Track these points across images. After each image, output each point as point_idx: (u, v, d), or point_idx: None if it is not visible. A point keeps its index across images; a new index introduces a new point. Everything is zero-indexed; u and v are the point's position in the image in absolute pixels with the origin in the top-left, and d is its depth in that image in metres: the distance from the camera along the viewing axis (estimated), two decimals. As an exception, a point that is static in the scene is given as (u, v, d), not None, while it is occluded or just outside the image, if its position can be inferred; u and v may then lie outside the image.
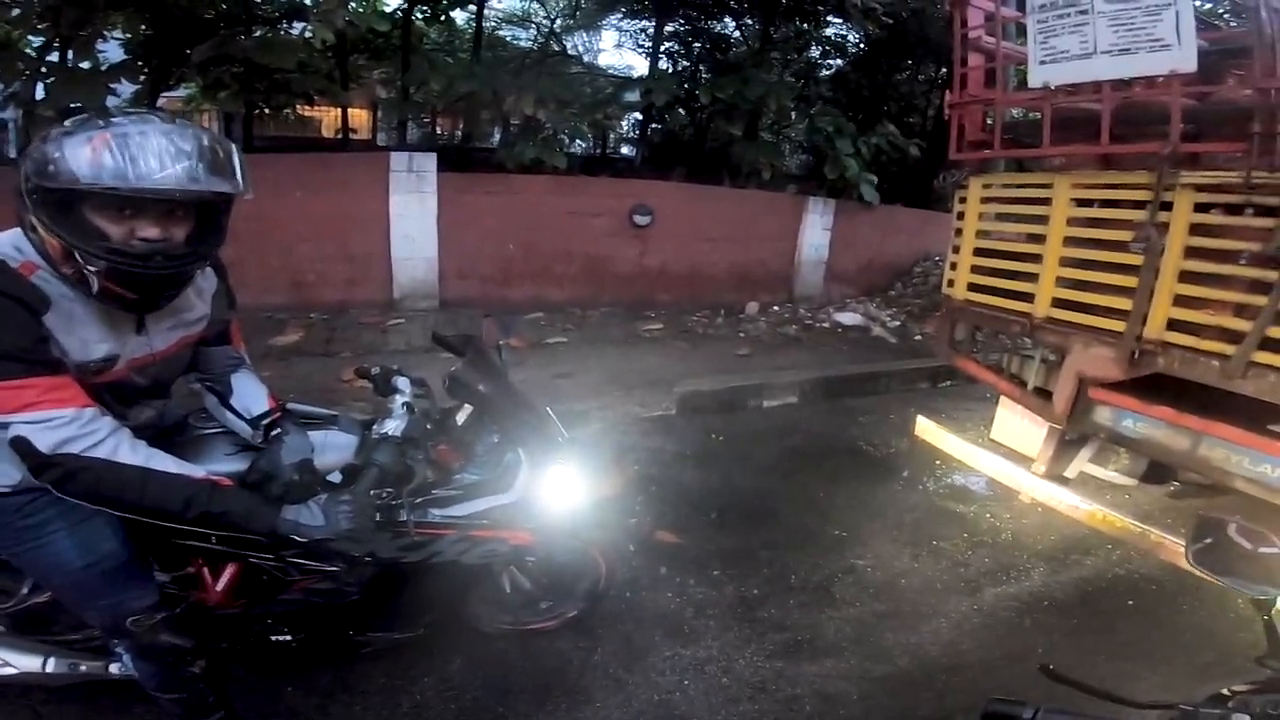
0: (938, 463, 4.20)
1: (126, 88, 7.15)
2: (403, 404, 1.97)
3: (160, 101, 8.12)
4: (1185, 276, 2.52)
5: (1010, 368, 3.39)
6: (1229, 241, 2.45)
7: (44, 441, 1.31)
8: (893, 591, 3.10)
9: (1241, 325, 2.37)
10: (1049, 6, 2.94)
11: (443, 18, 9.92)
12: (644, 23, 10.93)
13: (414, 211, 6.70)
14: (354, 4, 7.92)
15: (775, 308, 8.01)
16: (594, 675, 2.48)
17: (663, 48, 10.19)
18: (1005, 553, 3.47)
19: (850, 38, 10.59)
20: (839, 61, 11.05)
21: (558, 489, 2.13)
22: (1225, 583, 1.21)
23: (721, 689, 2.46)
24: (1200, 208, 2.50)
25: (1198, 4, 2.61)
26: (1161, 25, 2.57)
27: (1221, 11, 3.28)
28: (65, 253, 1.30)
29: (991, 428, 3.60)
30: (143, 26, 7.09)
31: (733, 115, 8.96)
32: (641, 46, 11.47)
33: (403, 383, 2.06)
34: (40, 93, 6.19)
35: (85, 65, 6.52)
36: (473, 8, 9.55)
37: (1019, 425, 3.40)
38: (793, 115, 9.25)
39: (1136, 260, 2.64)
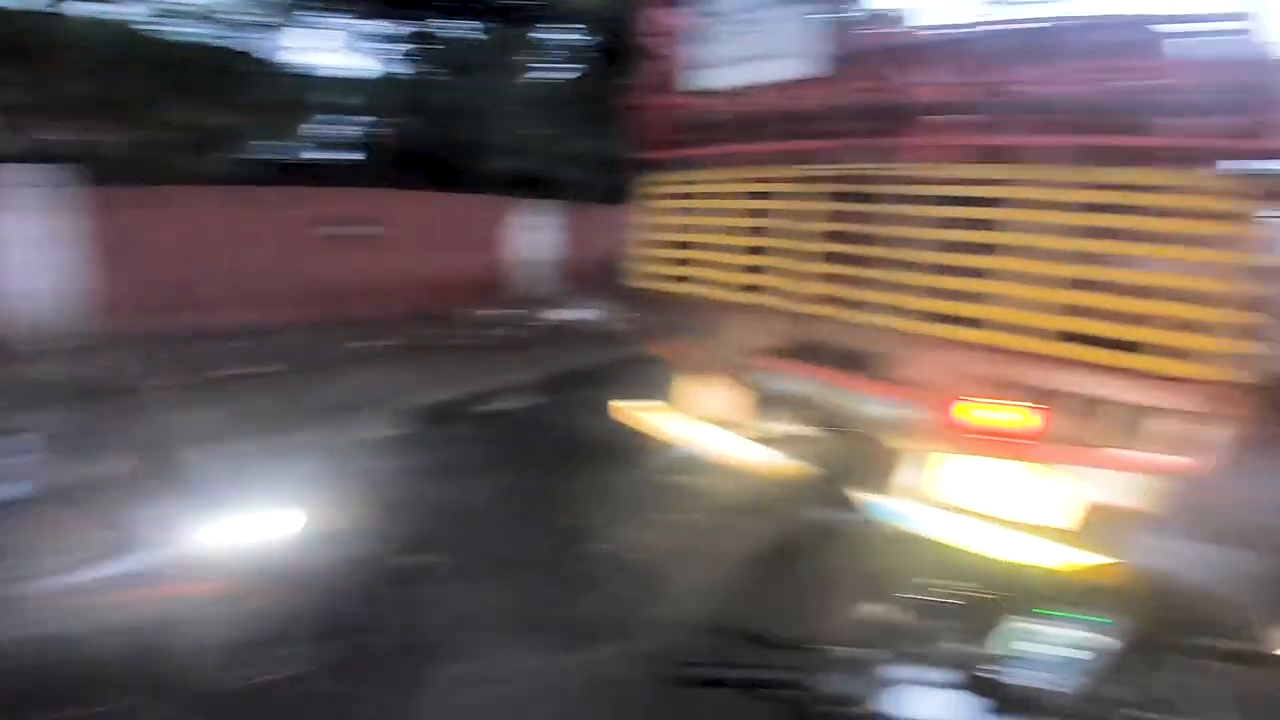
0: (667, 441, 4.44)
1: None
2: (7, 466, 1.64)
3: None
4: (815, 256, 2.99)
5: (698, 347, 3.66)
6: (843, 225, 2.91)
7: None
8: (646, 568, 3.20)
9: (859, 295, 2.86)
10: (718, 15, 3.26)
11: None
12: (378, 23, 10.17)
13: (39, 234, 5.50)
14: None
15: (504, 311, 7.99)
16: (375, 712, 2.29)
17: (395, 51, 9.61)
18: (724, 513, 3.69)
19: (580, 42, 10.82)
20: (571, 65, 11.29)
21: (253, 531, 1.96)
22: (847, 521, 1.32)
23: (516, 695, 2.40)
24: (826, 196, 2.95)
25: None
26: (799, 33, 2.95)
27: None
28: None
29: (670, 399, 3.87)
30: None
31: (462, 121, 8.78)
32: (359, 48, 10.68)
33: (12, 443, 1.71)
34: None
35: None
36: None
37: (702, 397, 3.70)
38: (521, 119, 9.29)
39: (783, 244, 3.09)
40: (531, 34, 9.93)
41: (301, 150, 11.59)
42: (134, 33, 8.18)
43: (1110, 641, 1.01)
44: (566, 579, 3.13)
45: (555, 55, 11.09)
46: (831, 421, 3.38)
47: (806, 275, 3.04)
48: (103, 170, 5.91)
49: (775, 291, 3.15)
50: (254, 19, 9.95)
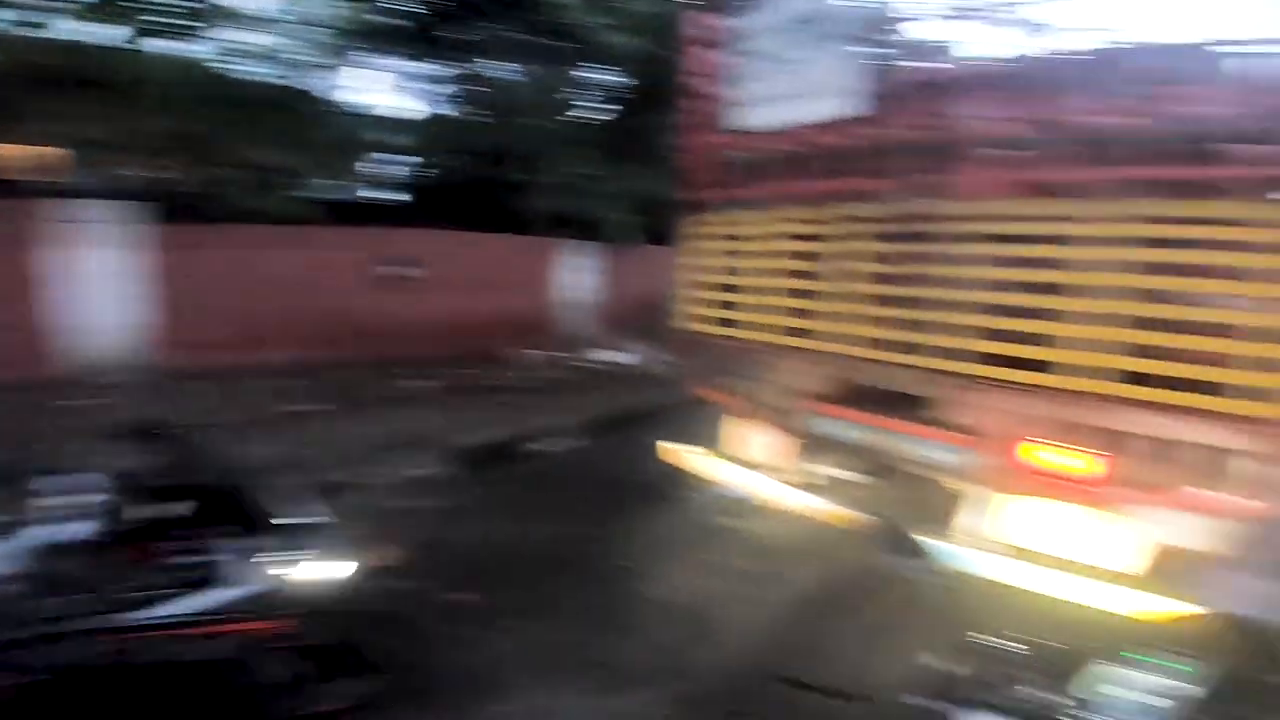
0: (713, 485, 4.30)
1: None
2: (75, 505, 1.70)
3: None
4: (863, 299, 2.97)
5: (744, 390, 3.62)
6: (893, 266, 2.89)
7: None
8: (690, 613, 3.18)
9: (908, 338, 2.81)
10: (757, 54, 3.27)
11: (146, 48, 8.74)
12: (422, 65, 10.56)
13: (108, 270, 5.77)
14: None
15: (546, 352, 8.07)
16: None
17: (440, 91, 9.93)
18: (776, 557, 3.70)
19: (622, 82, 11.04)
20: (612, 106, 11.51)
21: (314, 568, 1.99)
22: (912, 568, 1.31)
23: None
24: (873, 237, 2.93)
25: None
26: (838, 70, 2.95)
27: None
28: None
29: (719, 442, 3.82)
30: None
31: (506, 161, 8.96)
32: (405, 89, 11.07)
33: (78, 481, 1.78)
34: None
35: None
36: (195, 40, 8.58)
37: (748, 440, 3.67)
38: (561, 160, 9.47)
39: (829, 286, 3.07)
40: (573, 74, 10.14)
41: (353, 190, 12.02)
42: (204, 71, 8.61)
43: (1193, 687, 0.97)
44: (611, 621, 3.09)
45: (597, 95, 11.33)
46: (884, 466, 3.32)
47: (856, 317, 3.01)
48: (169, 207, 6.19)
49: (824, 334, 3.12)
50: (311, 59, 10.44)
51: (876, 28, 3.53)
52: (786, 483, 3.44)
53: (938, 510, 3.18)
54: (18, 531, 1.69)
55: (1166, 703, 0.99)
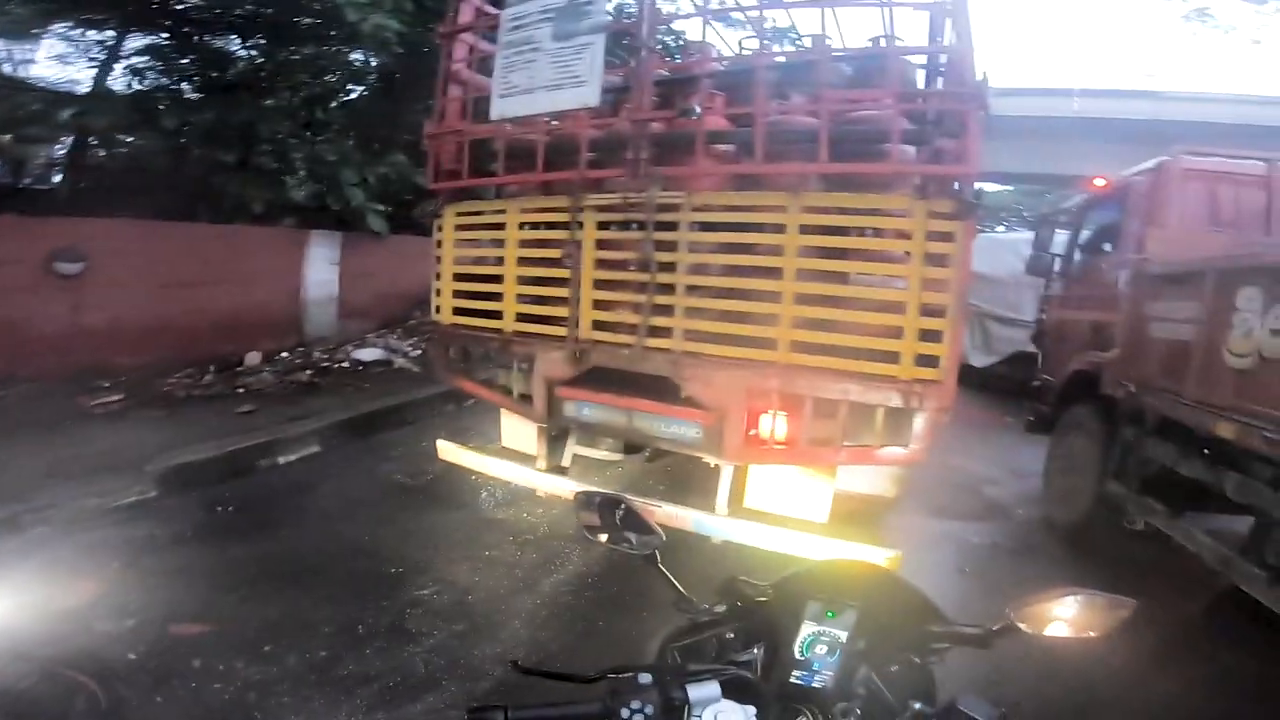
0: (473, 478, 4.26)
1: None
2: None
3: None
4: (599, 284, 3.11)
5: (498, 380, 3.66)
6: (620, 252, 3.08)
7: None
8: (465, 610, 3.09)
9: (635, 320, 3.00)
10: (512, 44, 3.25)
11: None
12: (104, 34, 8.70)
13: None
14: None
15: (284, 354, 7.30)
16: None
17: (129, 63, 8.34)
18: (546, 545, 3.77)
19: (370, 64, 10.19)
20: (357, 88, 10.57)
21: None
22: (619, 547, 1.34)
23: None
24: (602, 225, 3.09)
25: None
26: (581, 63, 3.01)
27: (619, 52, 3.93)
28: None
29: (501, 436, 3.86)
30: None
31: (220, 142, 7.85)
32: (94, 60, 9.12)
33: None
34: None
35: None
36: None
37: (520, 429, 3.69)
38: (290, 142, 8.52)
39: (567, 274, 3.17)
40: (307, 54, 9.23)
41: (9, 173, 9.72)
42: None
43: (856, 631, 1.08)
44: (377, 633, 2.91)
45: (337, 79, 10.41)
46: (633, 445, 3.52)
47: (593, 303, 3.16)
48: None
49: (565, 320, 3.22)
50: None
51: (625, 24, 3.69)
52: (543, 470, 3.49)
53: (682, 482, 3.45)
54: None
55: (842, 646, 1.08)
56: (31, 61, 9.78)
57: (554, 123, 3.47)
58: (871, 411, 2.71)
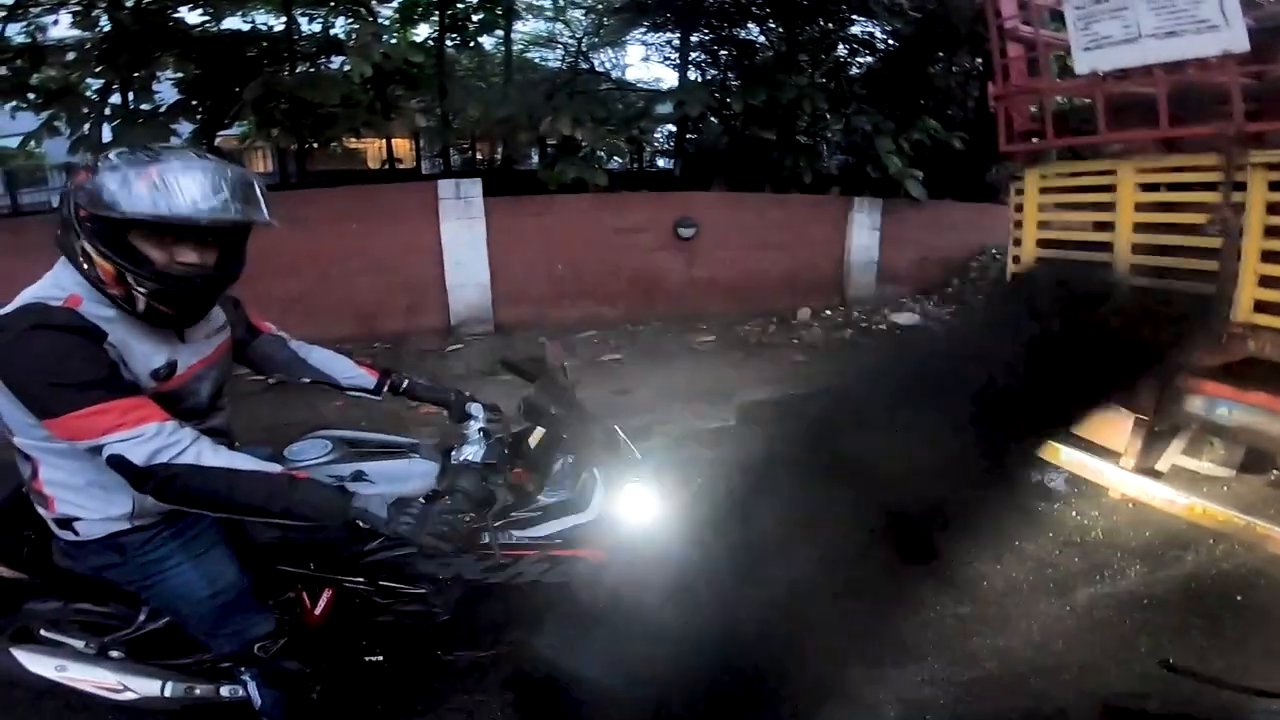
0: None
1: (185, 127, 7.55)
2: (478, 430, 2.03)
3: (217, 140, 8.46)
4: (1268, 256, 2.44)
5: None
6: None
7: (137, 455, 1.38)
8: (976, 595, 2.96)
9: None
10: None
11: (471, 44, 10.14)
12: (669, 35, 10.93)
13: (464, 238, 6.90)
14: (387, 36, 8.18)
15: (828, 312, 7.93)
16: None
17: (690, 58, 10.22)
18: (1096, 551, 3.32)
19: (878, 34, 10.39)
20: (870, 59, 10.86)
21: (634, 506, 2.11)
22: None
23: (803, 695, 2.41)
24: (1275, 185, 2.43)
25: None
26: (1205, 6, 2.54)
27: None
28: (116, 276, 1.43)
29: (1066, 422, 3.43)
30: (192, 66, 7.44)
31: (767, 121, 8.84)
32: (668, 59, 11.49)
33: (476, 409, 2.13)
34: (107, 135, 6.58)
35: (145, 107, 6.89)
36: (500, 33, 9.78)
37: (1103, 416, 3.23)
38: (828, 116, 9.12)
39: (1214, 243, 2.56)
40: (818, 31, 9.69)
41: (633, 159, 12.83)
42: (512, 59, 9.76)
43: None
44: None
45: (866, 48, 10.64)
46: (1258, 461, 2.78)
47: (1258, 279, 2.50)
48: (490, 182, 7.17)
49: (1194, 300, 2.61)
50: (592, 41, 11.29)
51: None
52: (1130, 469, 3.00)
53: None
54: (451, 451, 1.98)
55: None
56: (627, 66, 12.64)
57: (1170, 74, 2.84)
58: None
